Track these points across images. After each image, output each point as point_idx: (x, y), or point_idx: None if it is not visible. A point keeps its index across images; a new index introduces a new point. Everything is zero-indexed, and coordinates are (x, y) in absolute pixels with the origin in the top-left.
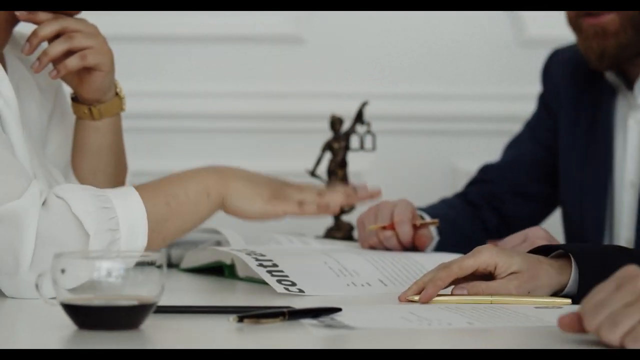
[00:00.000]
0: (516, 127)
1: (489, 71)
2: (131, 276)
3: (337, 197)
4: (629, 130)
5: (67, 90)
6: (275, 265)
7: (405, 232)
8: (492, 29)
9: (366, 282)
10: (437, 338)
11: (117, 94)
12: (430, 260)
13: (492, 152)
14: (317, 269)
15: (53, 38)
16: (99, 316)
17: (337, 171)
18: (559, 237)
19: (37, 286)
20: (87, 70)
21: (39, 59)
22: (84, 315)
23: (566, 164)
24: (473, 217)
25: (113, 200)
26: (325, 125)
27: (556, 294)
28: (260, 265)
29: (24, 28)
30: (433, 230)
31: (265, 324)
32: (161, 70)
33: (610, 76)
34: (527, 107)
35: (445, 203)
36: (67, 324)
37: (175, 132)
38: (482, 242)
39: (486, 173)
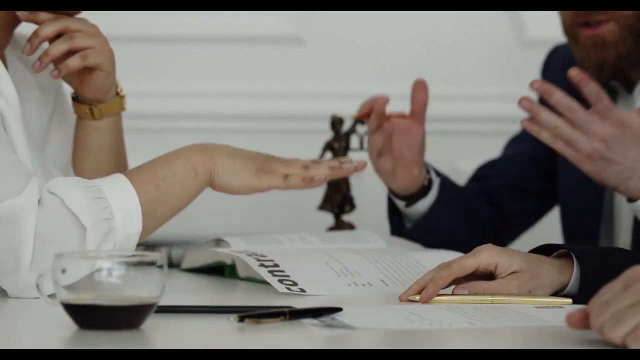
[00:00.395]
0: (516, 128)
1: (489, 71)
2: (132, 276)
3: (322, 169)
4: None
5: (68, 90)
6: (276, 265)
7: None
8: (492, 29)
9: (367, 282)
10: (438, 338)
11: (117, 93)
12: (430, 260)
13: (493, 152)
14: (319, 269)
15: (54, 38)
16: (99, 316)
17: None
18: (557, 236)
19: (37, 286)
20: (88, 70)
21: (39, 59)
22: (84, 315)
23: (565, 162)
24: (471, 198)
25: (104, 190)
26: (326, 125)
27: (556, 293)
28: (262, 265)
29: (24, 29)
30: (435, 187)
31: (266, 323)
32: (161, 70)
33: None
34: None
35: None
36: (67, 324)
37: (175, 132)
38: (476, 224)
39: (485, 170)
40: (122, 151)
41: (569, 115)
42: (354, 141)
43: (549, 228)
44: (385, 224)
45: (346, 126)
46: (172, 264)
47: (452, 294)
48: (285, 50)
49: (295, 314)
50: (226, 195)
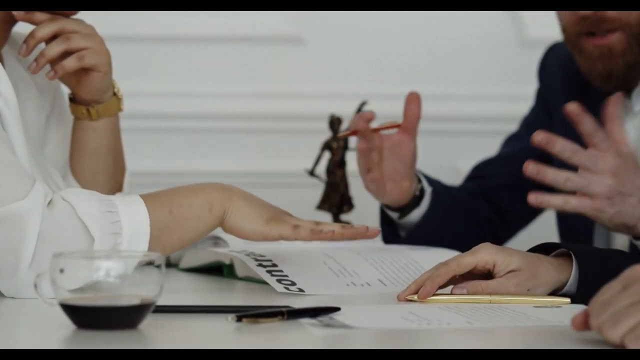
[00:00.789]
0: (516, 127)
1: (489, 71)
2: (130, 276)
3: (332, 226)
4: (626, 134)
5: (65, 90)
6: (274, 265)
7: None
8: (492, 29)
9: (366, 282)
10: (437, 338)
11: (114, 94)
12: (429, 260)
13: (493, 152)
14: (317, 269)
15: (50, 39)
16: (97, 316)
17: (336, 171)
18: (553, 235)
19: (35, 286)
20: (84, 71)
21: (36, 60)
22: (82, 315)
23: (561, 162)
24: (468, 199)
25: (118, 205)
26: (325, 125)
27: (555, 292)
28: (260, 265)
29: (22, 28)
30: (427, 196)
31: (264, 323)
32: (161, 70)
33: None
34: (528, 107)
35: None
36: (66, 324)
37: (175, 132)
38: (474, 223)
39: (481, 169)
40: (120, 151)
41: (576, 159)
42: (353, 141)
43: (547, 227)
44: None
45: (344, 126)
46: (170, 264)
47: (451, 294)
48: (285, 50)
49: (293, 314)
50: None
